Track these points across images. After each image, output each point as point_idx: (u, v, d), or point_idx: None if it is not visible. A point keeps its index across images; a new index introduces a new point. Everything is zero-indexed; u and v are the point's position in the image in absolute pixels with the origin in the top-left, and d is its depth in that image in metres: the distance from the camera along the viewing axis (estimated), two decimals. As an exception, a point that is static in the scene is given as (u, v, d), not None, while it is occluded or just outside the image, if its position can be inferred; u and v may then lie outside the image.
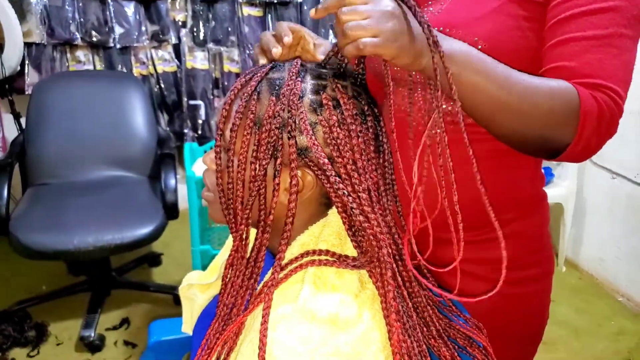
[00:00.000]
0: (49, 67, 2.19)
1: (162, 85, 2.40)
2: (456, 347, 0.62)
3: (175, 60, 2.40)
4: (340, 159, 0.55)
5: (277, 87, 0.56)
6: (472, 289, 0.76)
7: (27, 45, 2.11)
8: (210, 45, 2.39)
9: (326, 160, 0.54)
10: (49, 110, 1.95)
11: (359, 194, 0.54)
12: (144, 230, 1.66)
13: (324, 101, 0.56)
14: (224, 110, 0.58)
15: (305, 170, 0.56)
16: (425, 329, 0.60)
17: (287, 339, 0.51)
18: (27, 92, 2.12)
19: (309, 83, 0.57)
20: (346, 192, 0.54)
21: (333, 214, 0.59)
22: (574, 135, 0.57)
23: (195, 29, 2.38)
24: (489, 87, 0.56)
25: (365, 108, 0.59)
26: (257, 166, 0.55)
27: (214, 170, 0.59)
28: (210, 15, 2.37)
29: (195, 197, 1.62)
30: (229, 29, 2.38)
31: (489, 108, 0.58)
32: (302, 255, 0.56)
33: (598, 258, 2.16)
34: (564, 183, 2.11)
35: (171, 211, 1.77)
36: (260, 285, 0.56)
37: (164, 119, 2.46)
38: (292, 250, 0.58)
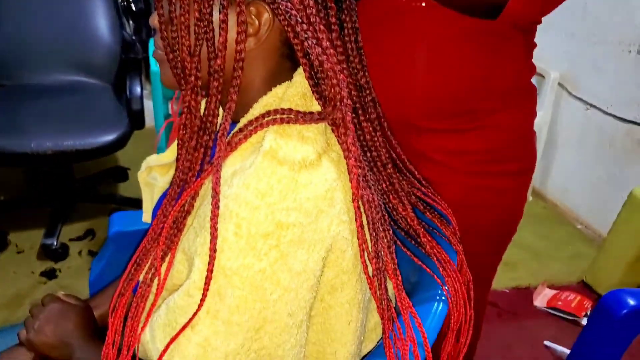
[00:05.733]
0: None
1: (127, -10, 2.22)
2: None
3: (142, -38, 2.21)
4: None
5: None
6: (447, 181, 0.74)
7: None
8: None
9: None
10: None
11: (316, 26, 0.49)
12: (108, 137, 1.58)
13: None
14: None
15: (259, 4, 0.50)
16: (385, 184, 0.59)
17: (243, 193, 0.48)
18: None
19: None
20: (301, 20, 0.48)
21: (297, 75, 0.55)
22: None
23: None
24: None
25: None
26: (202, 6, 0.49)
27: (159, 25, 0.54)
28: None
29: (161, 95, 1.54)
30: None
31: None
32: (262, 116, 0.52)
33: (563, 188, 2.21)
34: (539, 113, 2.10)
35: (136, 120, 1.69)
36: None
37: (129, 26, 2.31)
38: (253, 112, 0.54)
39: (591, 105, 1.99)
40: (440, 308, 0.62)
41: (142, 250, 0.55)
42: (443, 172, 0.74)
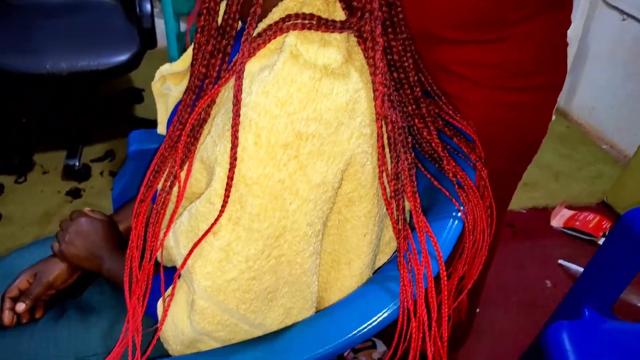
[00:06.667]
0: None
1: None
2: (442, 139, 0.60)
3: None
4: None
5: None
6: (470, 96, 0.71)
7: None
8: None
9: None
10: None
11: None
12: (121, 57, 1.55)
13: None
14: None
15: None
16: (411, 107, 0.57)
17: (263, 101, 0.46)
18: None
19: None
20: None
21: None
22: None
23: None
24: None
25: None
26: None
27: None
28: None
29: (172, 12, 1.48)
30: None
31: None
32: (282, 20, 0.49)
33: (590, 107, 2.13)
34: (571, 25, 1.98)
35: (148, 38, 1.65)
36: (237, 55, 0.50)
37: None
38: (273, 16, 0.51)
39: (628, 15, 1.86)
40: (455, 225, 0.62)
41: (160, 157, 0.55)
42: (466, 86, 0.71)
